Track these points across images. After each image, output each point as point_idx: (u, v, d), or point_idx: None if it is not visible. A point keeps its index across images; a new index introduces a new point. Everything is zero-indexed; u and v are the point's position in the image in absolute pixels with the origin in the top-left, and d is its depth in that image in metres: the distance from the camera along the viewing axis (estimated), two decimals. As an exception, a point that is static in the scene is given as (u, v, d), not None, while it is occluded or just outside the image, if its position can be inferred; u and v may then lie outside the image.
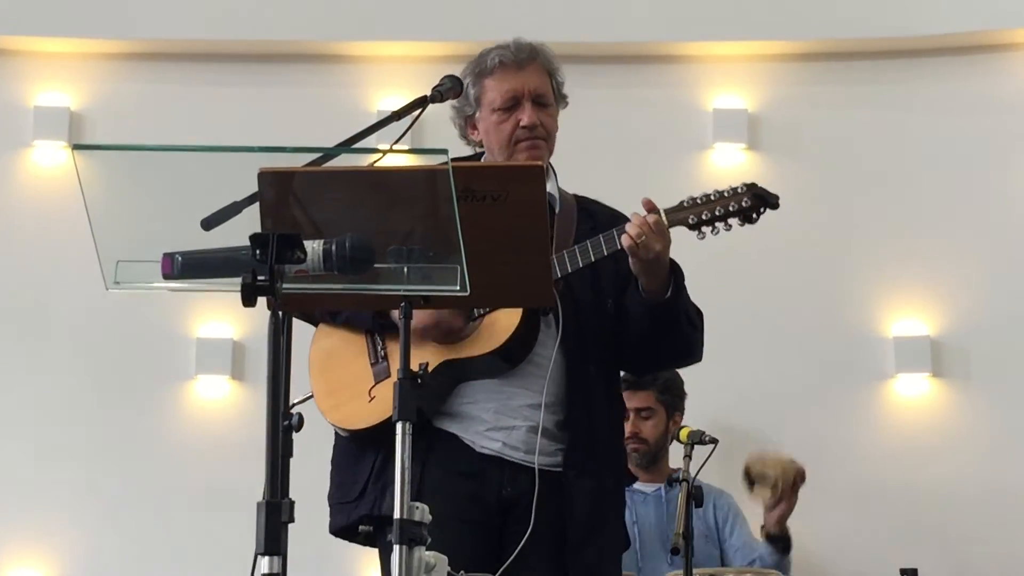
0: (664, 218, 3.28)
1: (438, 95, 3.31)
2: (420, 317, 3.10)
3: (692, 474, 4.22)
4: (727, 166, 5.80)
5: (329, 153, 3.05)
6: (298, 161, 2.74)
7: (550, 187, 3.45)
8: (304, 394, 3.28)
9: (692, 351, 3.52)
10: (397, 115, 3.31)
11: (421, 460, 3.12)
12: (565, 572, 3.25)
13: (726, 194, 3.34)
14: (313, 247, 2.42)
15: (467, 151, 3.65)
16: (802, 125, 5.85)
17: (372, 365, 3.30)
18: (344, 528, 3.33)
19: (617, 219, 3.44)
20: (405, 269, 2.49)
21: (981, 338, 5.59)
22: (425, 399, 3.13)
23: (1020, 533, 5.42)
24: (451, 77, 3.36)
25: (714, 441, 4.47)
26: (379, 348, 3.32)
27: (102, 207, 2.41)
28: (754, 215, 3.34)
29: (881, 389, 5.60)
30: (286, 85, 5.84)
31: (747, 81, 5.86)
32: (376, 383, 3.27)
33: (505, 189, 2.80)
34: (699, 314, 3.50)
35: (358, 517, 3.25)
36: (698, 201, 3.34)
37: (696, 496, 4.20)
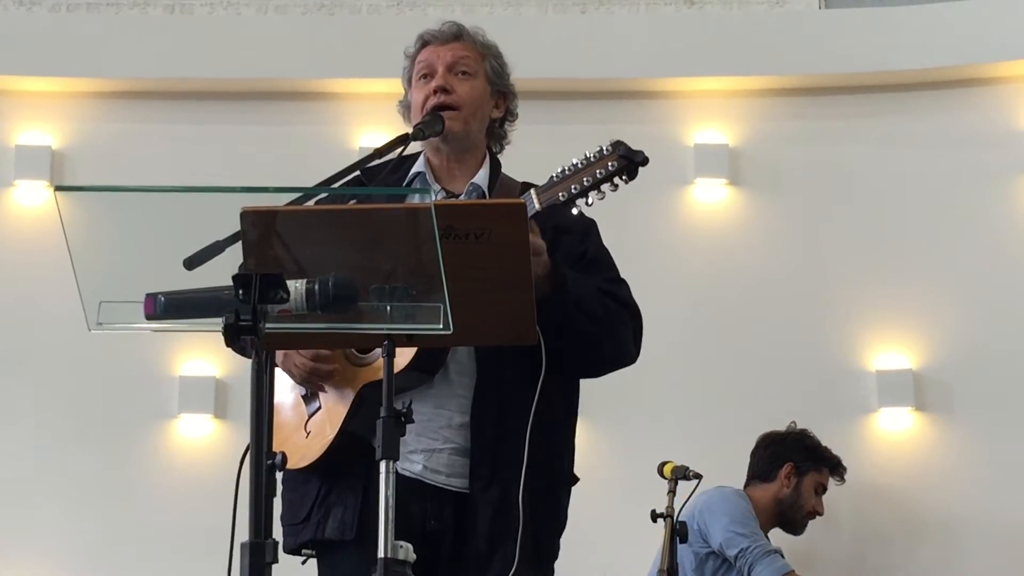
0: (536, 201, 3.07)
1: (420, 132, 3.24)
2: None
3: (676, 510, 4.23)
4: (709, 200, 5.82)
5: (311, 192, 3.06)
6: (280, 200, 2.74)
7: (480, 177, 3.35)
8: None
9: (599, 348, 3.23)
10: (379, 152, 3.30)
11: (363, 488, 3.11)
12: None
13: (593, 159, 3.10)
14: (296, 286, 2.41)
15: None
16: (783, 160, 5.86)
17: (303, 397, 3.26)
18: (292, 550, 3.29)
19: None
20: (388, 308, 2.48)
21: (964, 372, 5.60)
22: (361, 427, 3.09)
23: (1003, 566, 5.42)
24: (434, 114, 3.28)
25: (698, 476, 4.47)
26: None
27: (85, 248, 2.40)
28: (625, 176, 3.09)
29: (865, 423, 5.61)
30: (268, 123, 5.85)
31: (728, 116, 5.88)
32: (309, 416, 3.24)
33: (487, 227, 2.79)
34: (620, 309, 3.26)
35: (302, 541, 3.22)
36: (566, 172, 3.10)
37: (680, 532, 4.20)
